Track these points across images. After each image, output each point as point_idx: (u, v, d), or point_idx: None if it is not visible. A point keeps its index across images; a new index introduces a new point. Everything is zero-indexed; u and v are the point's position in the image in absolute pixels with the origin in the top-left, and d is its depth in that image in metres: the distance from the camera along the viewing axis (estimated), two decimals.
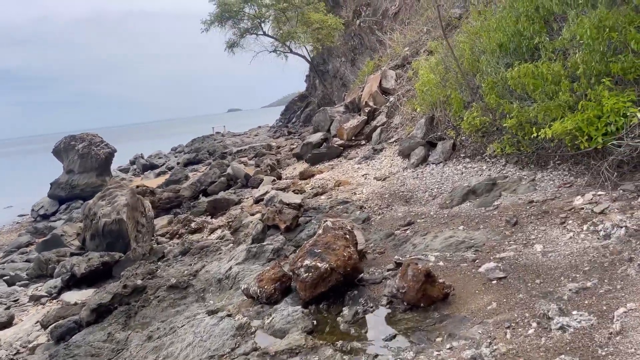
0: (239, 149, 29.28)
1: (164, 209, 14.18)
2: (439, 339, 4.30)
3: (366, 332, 4.79)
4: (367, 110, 15.38)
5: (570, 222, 5.81)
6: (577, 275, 4.64)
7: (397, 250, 6.62)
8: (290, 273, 5.62)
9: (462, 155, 9.49)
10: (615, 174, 6.26)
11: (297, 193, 10.68)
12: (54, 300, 9.18)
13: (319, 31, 28.75)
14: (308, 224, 8.03)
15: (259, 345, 4.75)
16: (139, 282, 7.10)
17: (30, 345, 7.03)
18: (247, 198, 12.69)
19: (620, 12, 6.92)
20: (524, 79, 7.45)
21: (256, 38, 33.28)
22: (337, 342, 4.55)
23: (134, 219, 10.73)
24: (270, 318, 5.16)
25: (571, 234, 5.54)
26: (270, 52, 33.48)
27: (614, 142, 6.26)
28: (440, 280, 4.88)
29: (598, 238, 5.27)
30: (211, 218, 12.35)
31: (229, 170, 16.38)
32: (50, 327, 6.94)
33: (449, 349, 4.07)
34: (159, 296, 6.85)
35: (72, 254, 11.04)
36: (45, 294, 9.39)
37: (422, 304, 4.85)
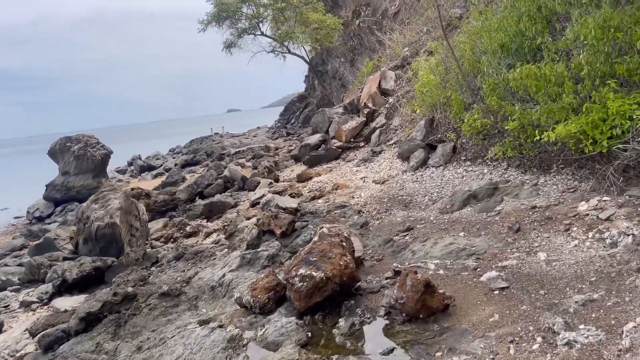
0: (237, 150, 29.08)
1: (159, 212, 13.96)
2: (438, 354, 4.10)
3: (363, 345, 4.59)
4: (366, 112, 15.18)
5: (574, 229, 5.61)
6: (583, 286, 4.44)
7: (396, 257, 6.42)
8: (285, 282, 5.41)
9: (462, 158, 9.28)
10: (621, 179, 6.07)
11: (294, 196, 10.47)
12: (45, 307, 8.96)
13: (318, 31, 28.54)
14: (305, 229, 7.82)
15: (250, 359, 4.54)
16: (130, 289, 6.89)
17: (18, 355, 6.82)
18: (244, 201, 12.49)
19: (626, 11, 6.74)
20: (526, 80, 7.25)
21: (254, 38, 33.11)
22: (332, 356, 4.36)
23: (127, 222, 10.52)
24: (264, 329, 4.95)
25: (576, 241, 5.33)
26: (269, 52, 33.28)
27: (620, 146, 6.06)
28: (440, 291, 4.68)
29: (604, 246, 5.07)
30: (207, 221, 12.14)
31: (225, 172, 16.17)
32: (39, 335, 6.73)
33: None
34: (150, 304, 6.65)
35: (64, 259, 10.82)
36: (36, 300, 9.18)
37: (421, 315, 4.66)
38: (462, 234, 6.43)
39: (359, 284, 5.52)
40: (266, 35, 33.03)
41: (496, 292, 4.79)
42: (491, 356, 3.83)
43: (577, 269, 4.78)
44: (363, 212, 8.46)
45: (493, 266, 5.35)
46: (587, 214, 5.80)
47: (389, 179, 10.07)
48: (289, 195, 10.59)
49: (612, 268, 4.59)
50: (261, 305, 5.34)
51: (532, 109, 7.26)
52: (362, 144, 14.34)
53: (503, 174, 8.07)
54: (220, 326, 5.22)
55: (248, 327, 5.14)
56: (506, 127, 7.65)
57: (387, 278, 5.74)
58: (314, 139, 16.29)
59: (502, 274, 5.08)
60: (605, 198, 5.98)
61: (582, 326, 3.83)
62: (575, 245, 5.26)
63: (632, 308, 3.91)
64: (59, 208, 21.00)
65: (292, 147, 21.26)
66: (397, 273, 5.74)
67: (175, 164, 30.69)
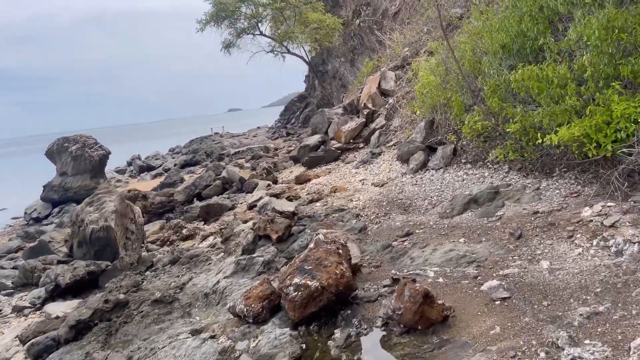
0: (237, 150, 28.90)
1: (156, 214, 13.81)
2: None
3: (359, 358, 4.42)
4: (365, 113, 15.01)
5: (578, 235, 5.44)
6: (588, 298, 4.27)
7: (394, 264, 6.25)
8: (280, 290, 5.24)
9: (463, 160, 9.11)
10: (626, 184, 5.89)
11: (292, 199, 10.31)
12: (38, 312, 8.81)
13: (317, 31, 28.34)
14: (301, 234, 7.65)
15: None
16: (122, 296, 6.72)
17: None
18: (241, 203, 12.33)
19: (630, 11, 6.56)
20: (528, 81, 7.08)
21: (253, 38, 32.86)
22: None
23: (122, 225, 10.36)
24: (257, 341, 4.79)
25: (580, 249, 5.17)
26: (268, 52, 33.06)
27: (624, 149, 5.89)
28: (440, 302, 4.51)
29: (609, 255, 4.90)
30: (204, 224, 11.99)
31: (224, 173, 16.00)
32: (28, 343, 6.57)
33: None
34: (142, 311, 6.49)
35: (59, 262, 10.66)
36: (29, 305, 9.02)
37: (419, 327, 4.49)
38: (462, 240, 6.26)
39: (356, 292, 5.35)
40: (265, 35, 32.80)
41: (497, 302, 4.62)
42: None
43: (582, 279, 4.62)
44: (361, 216, 8.30)
45: (494, 274, 5.18)
46: (591, 220, 5.63)
47: (388, 182, 9.90)
48: (286, 198, 10.42)
49: (617, 278, 4.43)
50: (255, 315, 5.18)
51: (534, 111, 7.10)
52: (361, 145, 14.18)
53: (504, 177, 7.91)
54: (213, 337, 5.05)
55: (241, 337, 4.97)
56: (507, 130, 7.48)
57: (385, 286, 5.58)
58: (313, 140, 16.11)
59: (503, 283, 4.91)
60: (609, 203, 5.82)
61: (587, 341, 3.67)
62: (579, 254, 5.10)
63: (639, 322, 3.74)
64: (57, 209, 20.84)
65: (292, 148, 21.09)
66: (395, 281, 5.58)
67: (175, 164, 30.52)
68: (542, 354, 3.68)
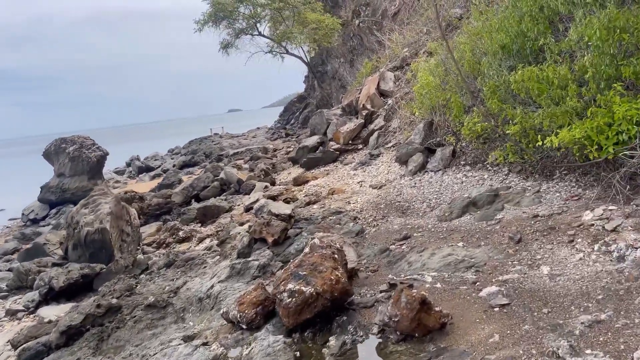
0: (236, 151, 28.79)
1: (153, 216, 13.69)
2: None
3: None
4: (364, 114, 14.90)
5: (579, 240, 5.33)
6: (590, 305, 4.15)
7: (392, 268, 6.14)
8: (274, 296, 5.13)
9: (462, 162, 9.00)
10: (628, 187, 5.78)
11: (289, 201, 10.19)
12: (31, 315, 8.69)
13: (316, 31, 28.20)
14: (298, 237, 7.54)
15: None
16: (114, 301, 6.61)
17: None
18: (238, 205, 12.21)
19: (632, 11, 6.45)
20: (528, 82, 6.96)
21: (252, 38, 32.69)
22: None
23: (118, 228, 10.25)
24: (249, 348, 4.68)
25: (581, 254, 5.05)
26: (266, 52, 32.90)
27: (626, 152, 5.77)
28: (437, 309, 4.40)
29: (611, 260, 4.78)
30: (201, 226, 11.87)
31: (222, 174, 15.89)
32: (19, 349, 6.46)
33: None
34: (135, 316, 6.37)
35: (54, 264, 10.54)
36: (23, 309, 8.91)
37: (416, 334, 4.38)
38: (460, 244, 6.14)
39: (352, 298, 5.24)
40: (264, 36, 32.64)
41: (496, 309, 4.51)
42: None
43: (583, 285, 4.50)
44: (359, 219, 8.18)
45: (493, 280, 5.07)
46: (592, 224, 5.52)
47: (387, 184, 9.78)
48: (283, 200, 10.31)
49: (620, 285, 4.31)
50: (248, 321, 5.06)
51: (534, 112, 6.98)
52: (360, 146, 14.07)
53: (504, 179, 7.79)
54: (205, 344, 4.94)
55: (234, 344, 4.86)
56: (507, 131, 7.36)
57: (382, 291, 5.47)
58: (312, 141, 16.00)
59: (502, 289, 4.80)
60: (611, 207, 5.70)
61: (588, 351, 3.55)
62: (580, 259, 4.98)
63: None
64: (54, 210, 20.71)
65: (291, 149, 20.96)
66: (392, 286, 5.47)
67: (174, 165, 30.42)
68: None
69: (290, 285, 4.80)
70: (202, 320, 5.98)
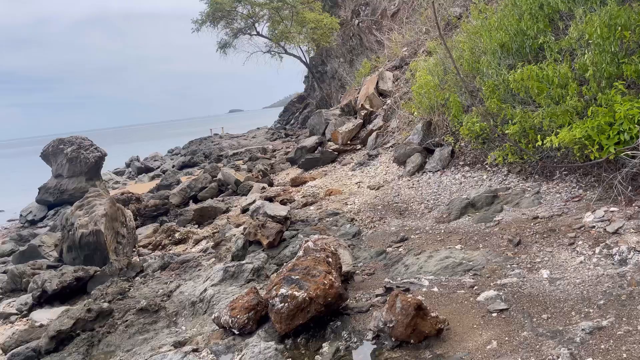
0: (235, 151, 28.64)
1: (150, 217, 13.54)
2: None
3: None
4: (363, 114, 14.78)
5: (580, 242, 5.20)
6: (591, 311, 4.02)
7: (388, 271, 6.00)
8: (266, 300, 4.99)
9: (461, 163, 8.86)
10: (630, 187, 5.65)
11: (286, 202, 10.05)
12: (24, 319, 8.55)
13: (315, 31, 28.06)
14: (294, 239, 7.41)
15: None
16: (105, 305, 6.47)
17: None
18: (235, 206, 12.07)
19: (633, 8, 6.32)
20: (528, 81, 6.84)
21: (250, 38, 32.55)
22: None
23: (113, 229, 10.11)
24: (240, 355, 4.54)
25: (582, 257, 4.92)
26: (265, 52, 32.75)
27: (628, 152, 5.64)
28: (433, 314, 4.26)
29: (613, 264, 4.65)
30: (198, 227, 11.73)
31: (219, 175, 15.75)
32: (9, 354, 6.33)
33: None
34: (127, 320, 6.24)
35: (48, 267, 10.39)
36: (16, 312, 8.77)
37: (412, 341, 4.24)
38: (458, 246, 6.01)
39: (346, 302, 5.11)
40: (262, 35, 32.48)
41: (494, 314, 4.38)
42: None
43: (583, 290, 4.37)
44: (356, 221, 8.05)
45: (491, 284, 4.93)
46: (594, 226, 5.39)
47: (385, 185, 9.65)
48: (280, 201, 10.17)
49: (622, 290, 4.17)
50: (240, 326, 4.93)
51: (534, 112, 6.86)
52: (358, 146, 13.95)
53: (503, 180, 7.66)
54: (195, 350, 4.80)
55: (224, 351, 4.72)
56: (506, 131, 7.22)
57: (377, 295, 5.33)
58: (310, 141, 15.88)
59: (501, 293, 4.67)
60: (612, 208, 5.57)
61: (589, 359, 3.42)
62: (581, 262, 4.85)
63: None
64: (52, 211, 20.57)
65: (290, 149, 20.82)
66: (388, 290, 5.34)
67: (173, 166, 30.27)
68: None
69: (282, 290, 4.67)
70: (194, 325, 5.85)
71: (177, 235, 10.95)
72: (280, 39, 30.30)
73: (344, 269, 5.66)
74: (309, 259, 4.99)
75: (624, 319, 3.78)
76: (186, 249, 10.33)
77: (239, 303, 5.06)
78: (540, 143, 6.52)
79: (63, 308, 8.27)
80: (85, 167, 20.52)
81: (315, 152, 14.93)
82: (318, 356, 4.40)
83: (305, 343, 4.64)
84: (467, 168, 8.61)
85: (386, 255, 6.43)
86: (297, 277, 4.76)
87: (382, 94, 15.12)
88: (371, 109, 14.71)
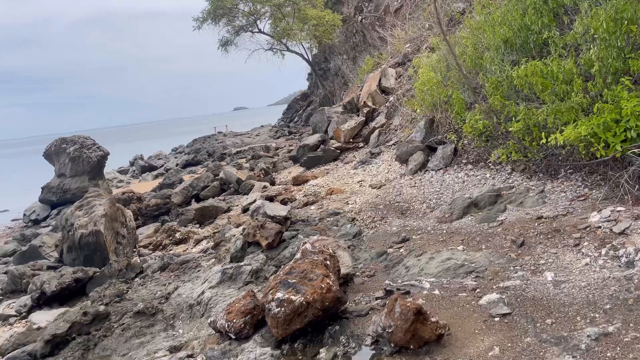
0: (238, 149, 28.56)
1: (151, 217, 13.46)
2: None
3: None
4: (365, 111, 14.63)
5: (585, 244, 5.05)
6: (597, 316, 3.88)
7: (389, 273, 5.87)
8: (262, 304, 4.88)
9: (463, 161, 8.71)
10: (637, 186, 5.49)
11: (287, 202, 9.93)
12: (23, 321, 8.49)
13: (317, 28, 27.86)
14: (293, 240, 7.29)
15: None
16: (102, 308, 6.38)
17: None
18: (236, 206, 11.96)
19: None
20: (532, 77, 6.67)
21: (252, 36, 32.34)
22: None
23: (113, 230, 10.03)
24: None
25: (587, 259, 4.78)
26: (266, 50, 32.55)
27: (635, 150, 5.48)
28: (433, 319, 4.13)
29: (619, 266, 4.51)
30: (199, 227, 11.63)
31: (221, 174, 15.65)
32: (4, 358, 6.25)
33: None
34: (123, 324, 6.15)
35: (49, 267, 10.33)
36: (15, 314, 8.70)
37: (411, 346, 4.11)
38: (460, 247, 5.87)
39: (345, 305, 4.99)
40: (264, 33, 32.28)
41: (497, 318, 4.24)
42: None
43: (589, 293, 4.23)
44: (357, 220, 7.91)
45: (494, 287, 4.80)
46: (599, 227, 5.24)
47: (387, 183, 9.51)
48: (281, 200, 10.05)
49: (629, 293, 4.03)
50: (237, 331, 4.82)
51: (538, 109, 6.69)
52: (361, 144, 13.80)
53: (507, 179, 7.51)
54: (190, 356, 4.70)
55: (220, 357, 4.61)
56: (510, 129, 7.07)
57: (377, 298, 5.21)
58: (313, 139, 15.74)
59: (503, 296, 4.53)
60: (619, 208, 5.42)
61: None
62: (587, 264, 4.70)
63: None
64: (55, 211, 20.56)
65: (292, 147, 20.70)
66: (388, 293, 5.21)
67: (177, 164, 30.23)
68: None
69: (279, 294, 4.55)
70: (191, 329, 5.75)
71: (177, 235, 10.86)
72: (282, 36, 30.09)
73: (343, 271, 5.54)
74: (307, 262, 4.87)
75: (631, 324, 3.64)
76: (187, 249, 10.24)
77: (236, 307, 4.95)
78: (544, 141, 6.36)
79: (62, 310, 8.19)
80: (88, 167, 20.47)
81: (318, 150, 14.80)
82: None
83: (303, 348, 4.53)
84: (470, 166, 8.46)
85: (387, 256, 6.30)
86: (294, 280, 4.65)
87: (384, 91, 14.96)
88: (374, 107, 14.55)
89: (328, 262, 4.95)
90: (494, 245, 5.69)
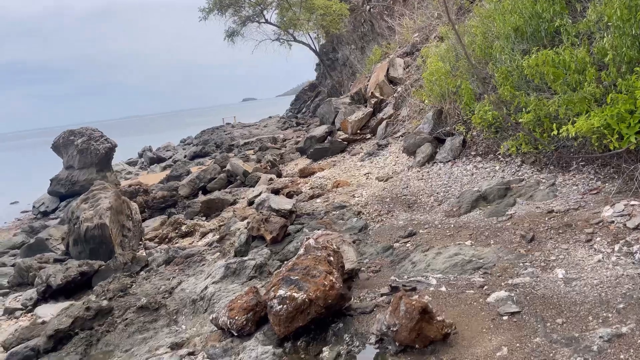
0: (246, 141, 28.49)
1: (158, 209, 13.44)
2: None
3: None
4: (373, 102, 14.44)
5: (598, 239, 4.89)
6: (609, 315, 3.73)
7: (395, 268, 5.75)
8: (265, 301, 4.78)
9: (472, 153, 8.53)
10: None
11: (292, 195, 9.82)
12: (29, 314, 8.49)
13: (324, 18, 27.56)
14: (298, 234, 7.19)
15: None
16: (105, 303, 6.34)
17: None
18: (243, 198, 11.88)
19: None
20: (543, 67, 6.47)
21: (258, 26, 32.09)
22: None
23: (118, 222, 10.00)
24: (237, 359, 4.35)
25: (600, 255, 4.62)
26: (273, 40, 32.30)
27: None
28: (439, 318, 4.01)
29: (633, 262, 4.35)
30: (205, 220, 11.58)
31: (228, 166, 15.57)
32: (7, 353, 6.23)
33: None
34: (126, 319, 6.10)
35: (55, 260, 10.35)
36: (21, 307, 8.71)
37: (417, 346, 4.00)
38: (468, 242, 5.73)
39: (350, 302, 4.88)
40: (270, 23, 32.02)
41: (505, 317, 4.11)
42: None
43: (602, 292, 4.08)
44: (363, 214, 7.79)
45: (502, 284, 4.66)
46: (613, 221, 5.07)
47: (394, 176, 9.36)
48: (286, 193, 9.94)
49: None
50: (239, 328, 4.73)
51: (549, 99, 6.50)
52: (368, 136, 13.63)
53: (516, 171, 7.33)
54: (191, 353, 4.62)
55: (221, 354, 4.53)
56: (520, 120, 6.88)
57: (382, 294, 5.09)
58: (320, 130, 15.59)
59: (512, 294, 4.40)
60: (633, 202, 5.24)
61: None
62: (599, 261, 4.55)
63: None
64: (64, 203, 20.64)
65: (300, 139, 20.56)
66: (394, 289, 5.09)
67: (185, 156, 30.22)
68: None
69: (281, 292, 4.45)
70: (194, 324, 5.68)
71: (183, 228, 10.81)
72: (289, 26, 29.81)
73: (348, 266, 5.43)
74: (310, 258, 4.76)
75: None
76: (192, 242, 10.19)
77: (238, 303, 4.86)
78: (555, 132, 6.18)
79: (67, 303, 8.17)
80: (96, 159, 20.50)
81: (325, 141, 14.66)
82: None
83: (305, 347, 4.43)
84: (479, 158, 8.28)
85: (393, 251, 6.18)
86: (296, 277, 4.54)
87: (392, 81, 14.75)
88: (381, 97, 14.36)
89: (331, 258, 4.84)
90: (503, 240, 5.54)
